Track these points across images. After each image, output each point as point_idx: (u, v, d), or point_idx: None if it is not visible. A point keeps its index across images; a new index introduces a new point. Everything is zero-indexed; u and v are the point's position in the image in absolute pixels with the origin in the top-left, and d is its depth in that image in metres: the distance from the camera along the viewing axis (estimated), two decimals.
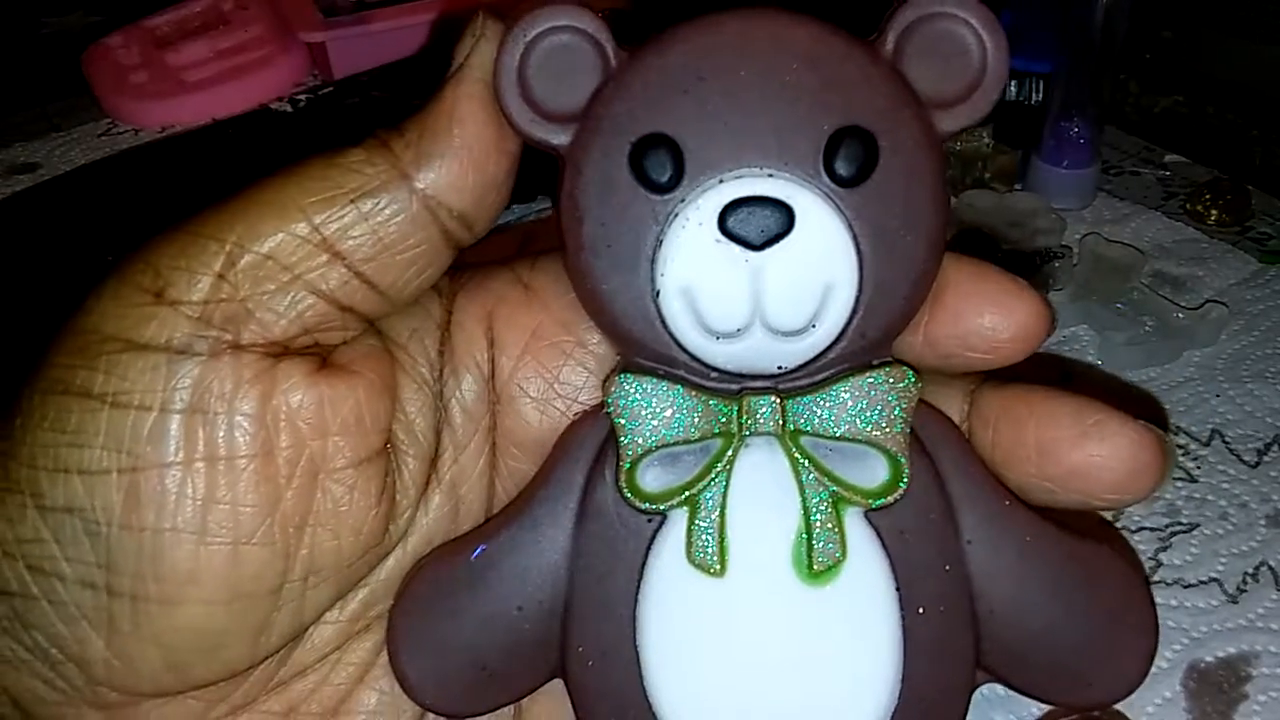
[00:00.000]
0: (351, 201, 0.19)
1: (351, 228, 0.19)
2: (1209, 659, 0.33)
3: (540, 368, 0.21)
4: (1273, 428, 0.40)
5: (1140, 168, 0.54)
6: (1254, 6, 0.54)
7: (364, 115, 0.56)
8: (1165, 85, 0.56)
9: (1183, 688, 0.32)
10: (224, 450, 0.18)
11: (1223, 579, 0.35)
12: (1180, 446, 0.40)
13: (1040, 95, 0.51)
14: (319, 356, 0.20)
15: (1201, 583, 0.35)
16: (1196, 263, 0.48)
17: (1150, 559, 0.36)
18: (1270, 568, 0.35)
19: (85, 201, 0.53)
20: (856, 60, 0.19)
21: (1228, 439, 0.40)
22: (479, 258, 0.22)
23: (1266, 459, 0.39)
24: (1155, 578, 0.35)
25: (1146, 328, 0.43)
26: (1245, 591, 0.35)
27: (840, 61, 0.19)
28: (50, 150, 0.58)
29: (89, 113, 0.60)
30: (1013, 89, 0.53)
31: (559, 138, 0.19)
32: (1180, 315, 0.43)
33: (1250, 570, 0.35)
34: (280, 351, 0.19)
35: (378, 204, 0.19)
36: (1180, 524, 0.37)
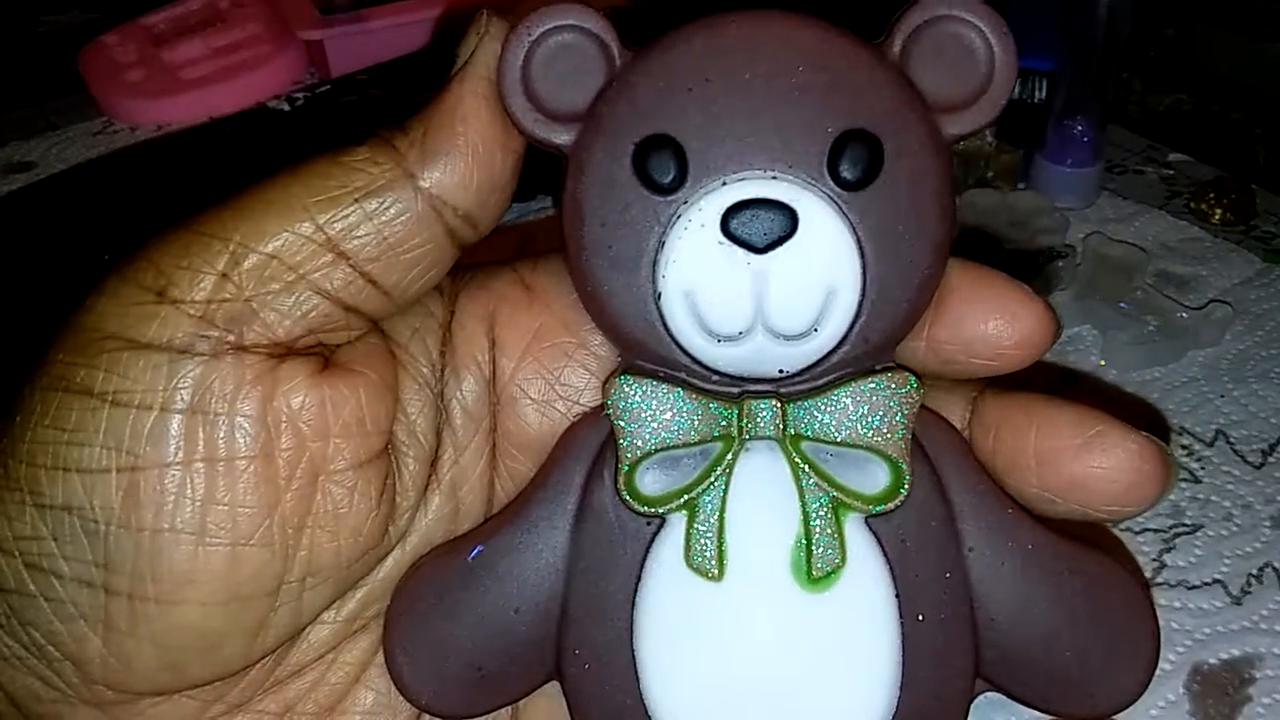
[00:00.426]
0: (356, 201, 0.19)
1: (356, 227, 0.19)
2: (1213, 661, 0.33)
3: (541, 369, 0.21)
4: (1277, 428, 0.40)
5: (1144, 166, 0.53)
6: (1257, 4, 0.54)
7: (362, 113, 0.56)
8: (1169, 83, 0.56)
9: (1186, 690, 0.32)
10: (224, 451, 0.18)
11: (1227, 581, 0.35)
12: (1184, 447, 0.40)
13: (1043, 94, 0.51)
14: (321, 357, 0.20)
15: (1205, 584, 0.35)
16: (1200, 262, 0.47)
17: (1154, 560, 0.36)
18: (1275, 569, 0.35)
19: (81, 200, 0.53)
20: (863, 63, 0.19)
21: (1232, 440, 0.40)
22: (478, 258, 0.22)
23: (1271, 460, 0.39)
24: (1159, 579, 0.35)
25: (1150, 327, 0.43)
26: (1249, 593, 0.35)
27: (846, 64, 0.18)
28: (46, 148, 0.58)
29: (85, 111, 0.60)
30: (1015, 87, 0.53)
31: (562, 137, 0.19)
32: (1184, 315, 0.43)
33: (1254, 572, 0.35)
34: (283, 352, 0.19)
35: (382, 203, 0.19)
36: (1184, 525, 0.37)
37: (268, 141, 0.56)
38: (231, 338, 0.18)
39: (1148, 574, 0.35)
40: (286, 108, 0.59)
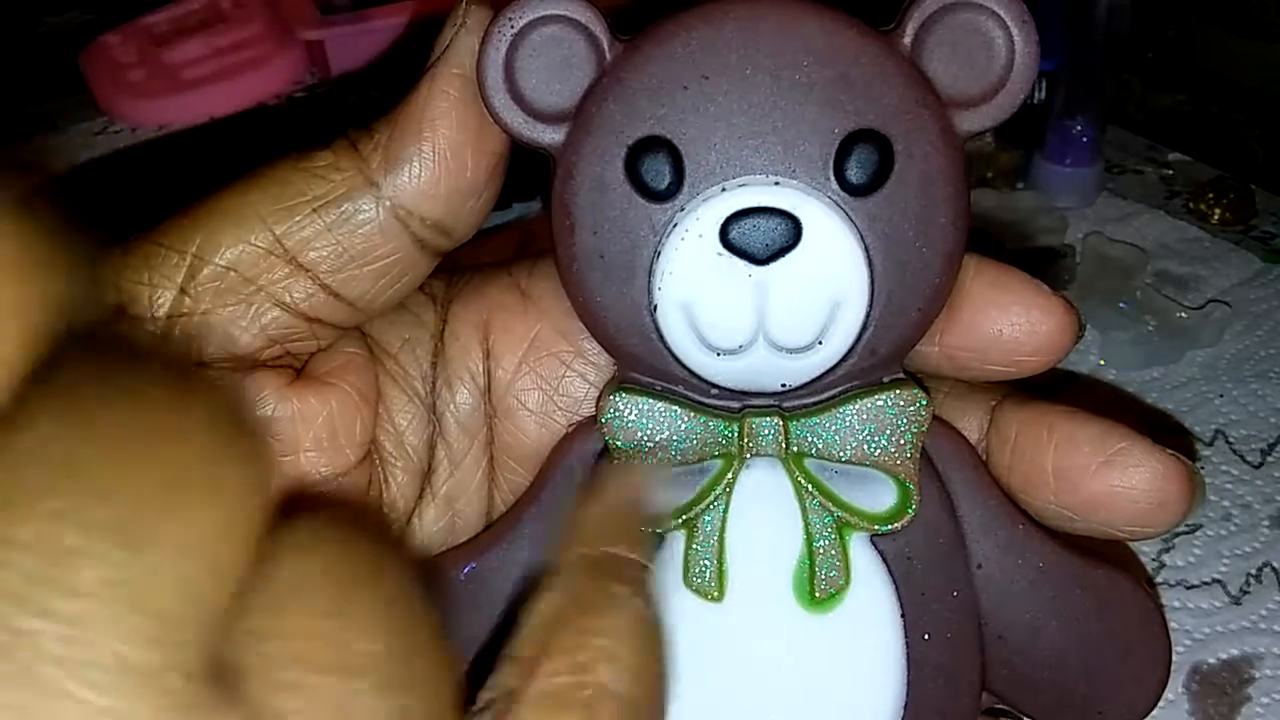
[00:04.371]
0: (314, 211, 0.18)
1: (314, 239, 0.18)
2: (1212, 661, 0.33)
3: (539, 379, 0.20)
4: (1276, 428, 0.40)
5: (1143, 166, 0.53)
6: (1257, 5, 0.54)
7: (362, 113, 0.56)
8: (1168, 84, 0.56)
9: (1185, 690, 0.32)
10: None
11: (1226, 580, 0.35)
12: None
13: (1043, 94, 0.51)
14: (291, 369, 0.19)
15: (1204, 584, 0.35)
16: (1199, 262, 0.47)
17: (1153, 560, 0.36)
18: (1274, 569, 0.35)
19: (81, 200, 0.53)
20: (872, 55, 0.17)
21: (1231, 439, 0.40)
22: (477, 260, 0.21)
23: (1270, 459, 0.39)
24: (1158, 579, 0.35)
25: (1149, 327, 0.43)
26: (1248, 593, 0.35)
27: (854, 57, 0.17)
28: (46, 149, 0.58)
29: (85, 111, 0.60)
30: None
31: (549, 137, 0.18)
32: (1183, 315, 0.43)
33: (1253, 571, 0.35)
34: (249, 365, 0.18)
35: (342, 214, 0.18)
36: (1183, 525, 0.37)
37: (268, 141, 0.56)
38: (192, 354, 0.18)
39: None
40: (286, 108, 0.59)
